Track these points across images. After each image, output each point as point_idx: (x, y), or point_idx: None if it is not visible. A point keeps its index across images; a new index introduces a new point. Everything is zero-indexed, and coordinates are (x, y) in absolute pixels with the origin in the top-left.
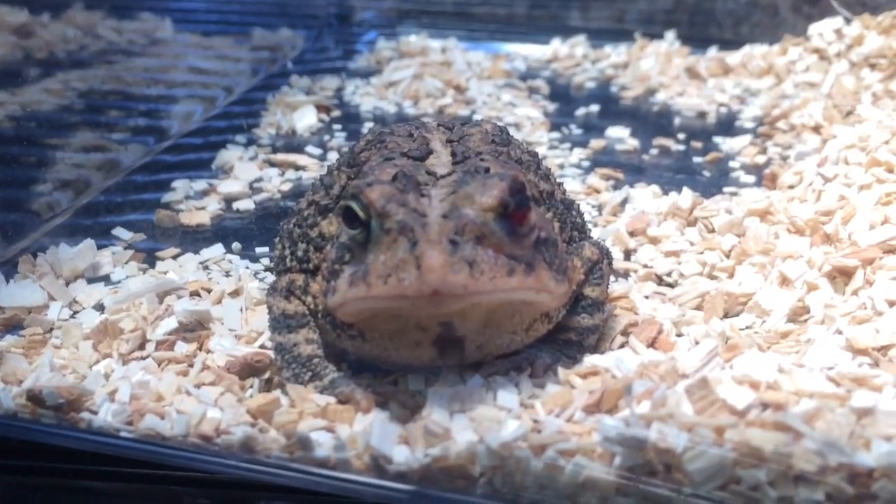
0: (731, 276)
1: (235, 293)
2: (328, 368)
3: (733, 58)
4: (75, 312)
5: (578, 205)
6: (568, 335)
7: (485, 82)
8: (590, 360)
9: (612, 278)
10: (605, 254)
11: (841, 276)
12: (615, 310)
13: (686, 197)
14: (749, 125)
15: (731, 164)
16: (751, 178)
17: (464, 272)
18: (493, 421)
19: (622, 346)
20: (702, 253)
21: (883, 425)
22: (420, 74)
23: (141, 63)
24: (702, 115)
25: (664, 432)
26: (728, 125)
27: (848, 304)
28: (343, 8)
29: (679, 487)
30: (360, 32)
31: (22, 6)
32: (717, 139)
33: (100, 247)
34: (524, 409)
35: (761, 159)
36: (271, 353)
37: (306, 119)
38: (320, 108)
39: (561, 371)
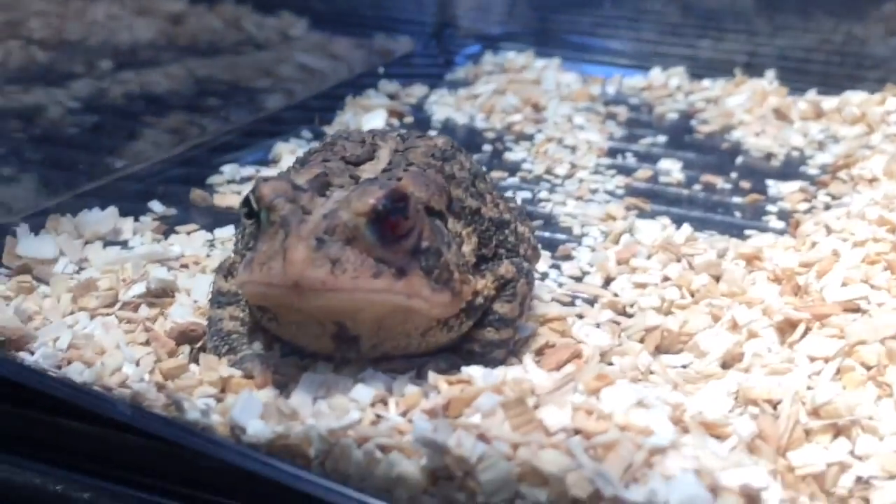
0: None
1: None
2: (244, 345)
3: (829, 102)
4: (80, 269)
5: (516, 226)
6: (472, 346)
7: (565, 103)
8: (466, 370)
9: (531, 298)
10: (524, 274)
11: (789, 328)
12: (538, 329)
13: (682, 232)
14: (813, 172)
15: (769, 207)
16: (781, 224)
17: (324, 269)
18: (341, 410)
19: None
20: (665, 288)
21: (669, 464)
22: (503, 90)
23: (266, 56)
24: (769, 156)
25: (463, 441)
26: (791, 170)
27: (776, 356)
28: (454, 19)
29: (474, 495)
30: (465, 44)
31: None
32: (770, 182)
33: (136, 215)
34: (375, 405)
35: (804, 206)
36: (204, 324)
37: (374, 122)
38: (392, 113)
39: (431, 375)
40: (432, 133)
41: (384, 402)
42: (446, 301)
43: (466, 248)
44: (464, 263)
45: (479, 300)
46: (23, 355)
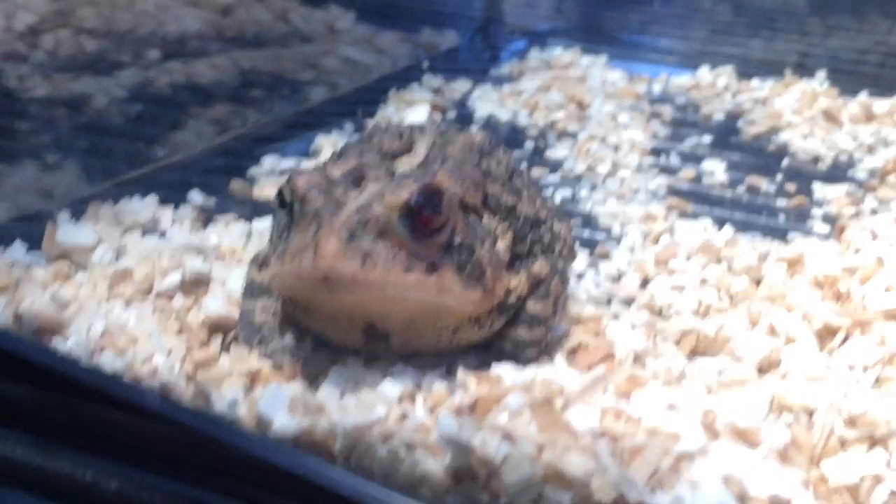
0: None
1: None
2: (276, 337)
3: (881, 105)
4: (118, 257)
5: (552, 224)
6: (503, 344)
7: (610, 101)
8: (496, 369)
9: (565, 298)
10: (558, 272)
11: (828, 334)
12: (572, 329)
13: (722, 235)
14: (861, 176)
15: (814, 211)
16: (826, 228)
17: (355, 262)
18: (367, 406)
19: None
20: (703, 291)
21: (696, 471)
22: (548, 86)
23: (311, 49)
24: (816, 159)
25: (487, 441)
26: (839, 173)
27: (814, 362)
28: (500, 14)
29: (497, 496)
30: (511, 40)
31: None
32: (816, 185)
33: (176, 204)
34: (402, 402)
35: (850, 211)
36: (236, 315)
37: (415, 116)
38: (435, 107)
39: (460, 373)
40: (474, 129)
41: (412, 399)
42: (478, 298)
43: (501, 245)
44: (497, 260)
45: (512, 298)
46: (56, 342)
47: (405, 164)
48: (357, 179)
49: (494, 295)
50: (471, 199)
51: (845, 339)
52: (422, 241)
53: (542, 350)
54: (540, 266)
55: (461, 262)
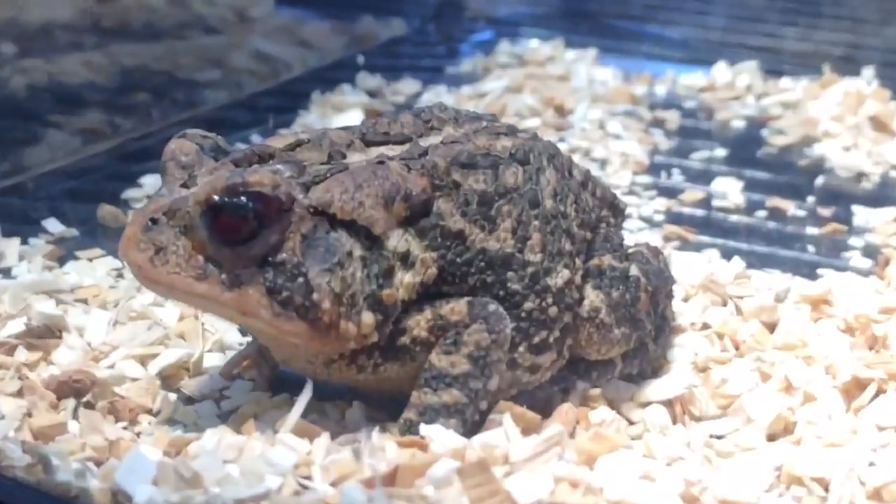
0: None
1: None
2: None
3: None
4: None
5: (538, 272)
6: (409, 414)
7: (598, 106)
8: (426, 430)
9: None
10: (485, 319)
11: (857, 389)
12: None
13: (731, 269)
14: None
15: (852, 241)
16: (867, 263)
17: (145, 254)
18: (256, 476)
19: None
20: (704, 338)
21: None
22: (519, 87)
23: (211, 41)
24: (859, 177)
25: None
26: (887, 194)
27: (836, 424)
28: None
29: None
30: (475, 30)
31: None
32: (857, 208)
33: (25, 237)
34: (297, 471)
35: None
36: (95, 374)
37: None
38: (371, 114)
39: (376, 436)
40: None
41: (311, 468)
42: (299, 331)
43: (406, 277)
44: (370, 294)
45: (404, 339)
46: None
47: (385, 151)
48: (264, 158)
49: (339, 334)
50: (342, 212)
51: (876, 395)
52: (223, 249)
53: (469, 420)
54: (452, 308)
55: (276, 285)
